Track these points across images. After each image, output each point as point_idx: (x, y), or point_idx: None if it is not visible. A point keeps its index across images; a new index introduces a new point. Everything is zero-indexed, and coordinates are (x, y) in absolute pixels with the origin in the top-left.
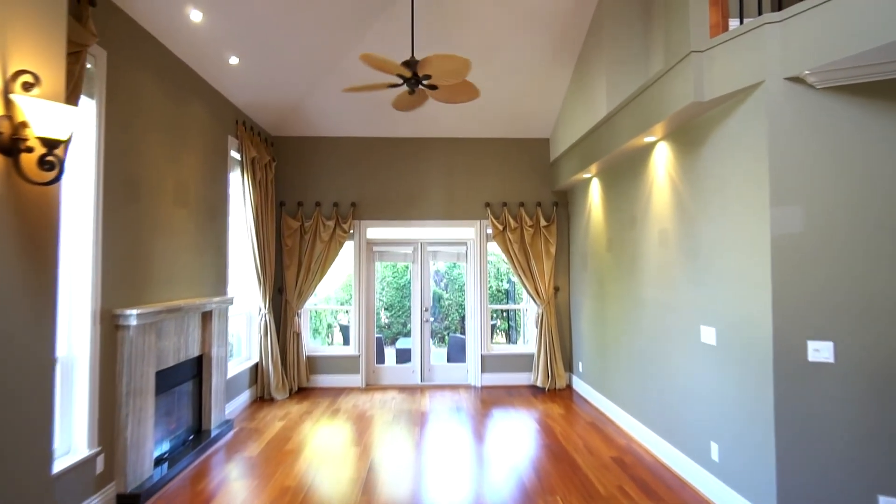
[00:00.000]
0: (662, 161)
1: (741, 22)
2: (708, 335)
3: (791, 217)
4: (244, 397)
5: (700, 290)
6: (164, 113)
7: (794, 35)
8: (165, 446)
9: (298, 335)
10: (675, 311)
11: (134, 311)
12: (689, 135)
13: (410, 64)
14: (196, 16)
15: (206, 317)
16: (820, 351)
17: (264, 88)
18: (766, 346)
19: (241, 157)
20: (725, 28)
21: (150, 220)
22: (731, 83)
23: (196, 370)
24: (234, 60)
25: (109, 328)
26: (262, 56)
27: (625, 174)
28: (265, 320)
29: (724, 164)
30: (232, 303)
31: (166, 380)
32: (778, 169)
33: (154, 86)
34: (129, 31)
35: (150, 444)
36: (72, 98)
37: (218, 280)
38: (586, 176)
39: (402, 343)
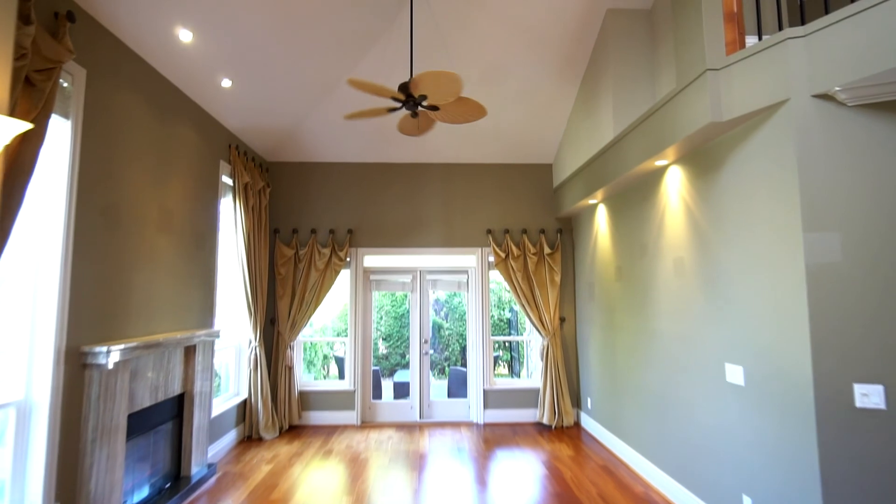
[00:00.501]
0: (675, 185)
1: (759, 39)
2: (734, 374)
3: (827, 244)
4: (230, 437)
5: (723, 323)
6: (151, 135)
7: (821, 50)
8: (139, 496)
9: (290, 369)
10: (695, 346)
11: (104, 349)
12: (704, 157)
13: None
14: (186, 36)
15: (190, 352)
16: (869, 396)
17: (259, 112)
18: (805, 390)
19: (234, 182)
20: (742, 45)
21: (130, 249)
22: (752, 102)
23: (177, 410)
24: (226, 83)
25: (76, 367)
26: (255, 79)
27: (633, 199)
28: (255, 353)
29: (747, 188)
30: (219, 336)
31: (142, 421)
32: (809, 192)
33: (140, 107)
34: (114, 50)
35: (118, 496)
36: (41, 116)
37: (204, 312)
38: (592, 202)
39: (400, 376)
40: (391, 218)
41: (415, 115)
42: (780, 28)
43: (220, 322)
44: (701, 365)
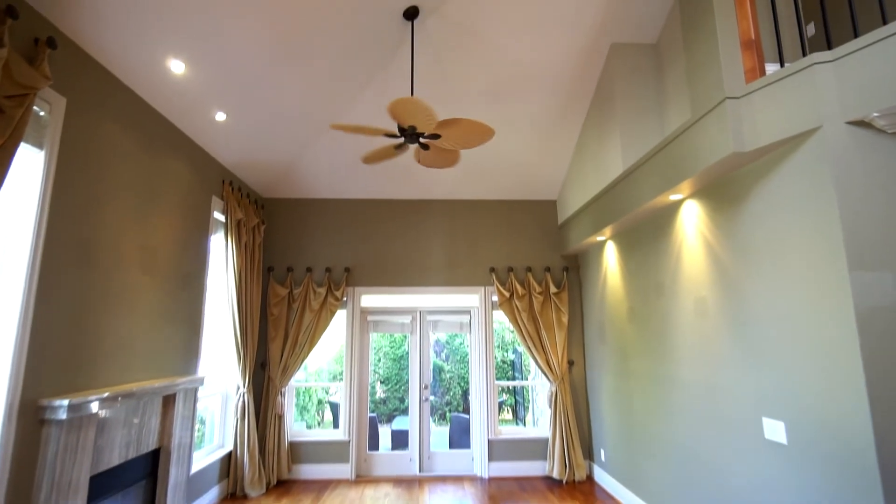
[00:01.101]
0: (692, 220)
1: (782, 65)
2: (774, 430)
3: (878, 285)
4: (211, 495)
5: (758, 372)
6: (137, 169)
7: (854, 75)
8: None
9: (281, 417)
10: (726, 398)
11: (65, 402)
12: (724, 190)
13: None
14: (178, 67)
15: (169, 401)
16: None
17: (254, 147)
18: (865, 451)
19: (226, 218)
20: (762, 73)
21: (105, 290)
22: (779, 130)
23: (151, 466)
24: (220, 117)
25: (31, 424)
26: (251, 113)
27: (645, 236)
28: (243, 400)
29: (777, 222)
30: (202, 383)
31: (108, 482)
32: (852, 226)
33: (127, 139)
34: (100, 80)
35: None
36: (9, 144)
37: (188, 356)
38: (600, 239)
39: (398, 423)
40: (390, 256)
41: (425, 147)
42: (805, 54)
43: (205, 367)
44: (733, 418)
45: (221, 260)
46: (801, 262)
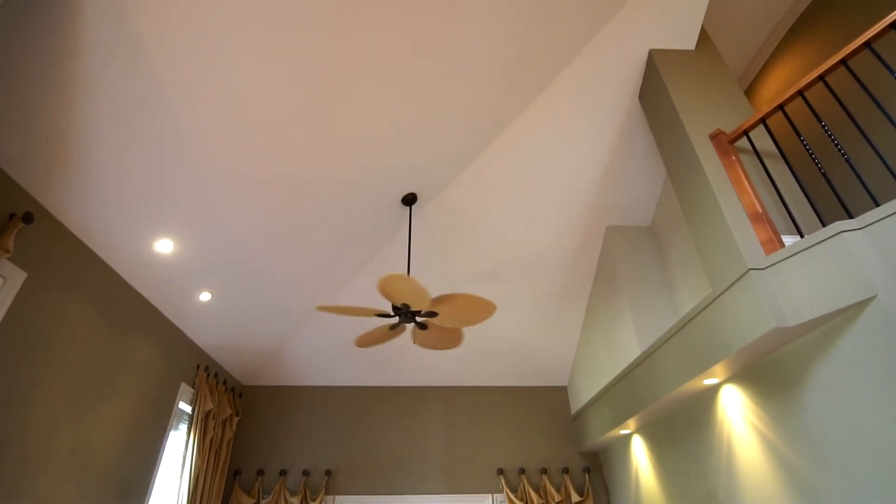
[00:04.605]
0: (736, 410)
1: (801, 236)
2: None
3: None
4: None
5: None
6: (96, 352)
7: (893, 241)
8: None
9: None
10: None
11: None
12: (770, 373)
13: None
14: (165, 246)
15: None
16: None
17: (239, 330)
18: None
19: (194, 410)
20: (780, 244)
21: None
22: (824, 302)
23: None
24: (205, 297)
25: None
26: (239, 295)
27: (679, 428)
28: None
29: (853, 405)
30: None
31: None
32: None
33: (92, 320)
34: (76, 255)
35: None
36: None
37: None
38: (623, 432)
39: None
40: (380, 454)
41: (422, 326)
42: (823, 223)
43: None
44: None
45: (177, 461)
46: None
